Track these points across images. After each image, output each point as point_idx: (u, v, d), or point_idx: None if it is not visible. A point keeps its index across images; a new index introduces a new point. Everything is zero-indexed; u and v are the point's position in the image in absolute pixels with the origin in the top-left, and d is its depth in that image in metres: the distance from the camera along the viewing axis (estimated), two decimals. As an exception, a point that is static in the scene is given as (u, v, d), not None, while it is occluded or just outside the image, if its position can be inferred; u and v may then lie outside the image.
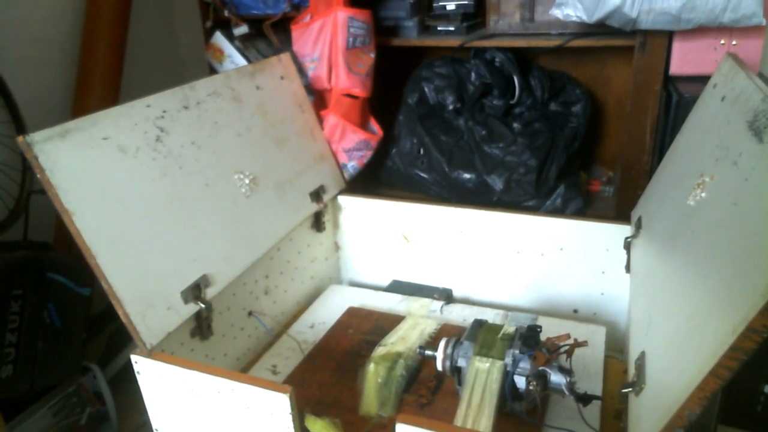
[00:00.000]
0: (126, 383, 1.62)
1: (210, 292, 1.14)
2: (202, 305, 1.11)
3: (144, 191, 1.06)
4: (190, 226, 1.14)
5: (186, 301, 1.08)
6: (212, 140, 1.24)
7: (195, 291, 1.10)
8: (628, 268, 1.28)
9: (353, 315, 1.42)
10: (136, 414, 1.63)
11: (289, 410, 0.88)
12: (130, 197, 1.04)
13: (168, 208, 1.10)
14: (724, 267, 0.69)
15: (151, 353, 0.99)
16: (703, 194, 0.88)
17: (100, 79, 1.76)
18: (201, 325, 1.15)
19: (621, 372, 1.20)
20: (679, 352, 0.70)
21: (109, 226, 0.98)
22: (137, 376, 1.01)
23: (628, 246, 1.26)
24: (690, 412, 0.62)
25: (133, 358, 1.00)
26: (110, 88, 1.78)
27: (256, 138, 1.37)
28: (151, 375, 1.00)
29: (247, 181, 1.30)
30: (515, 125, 1.68)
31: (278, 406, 0.89)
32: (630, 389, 0.81)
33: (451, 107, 1.74)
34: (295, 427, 0.90)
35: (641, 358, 0.82)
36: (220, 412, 0.96)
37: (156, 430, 1.06)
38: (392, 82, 1.85)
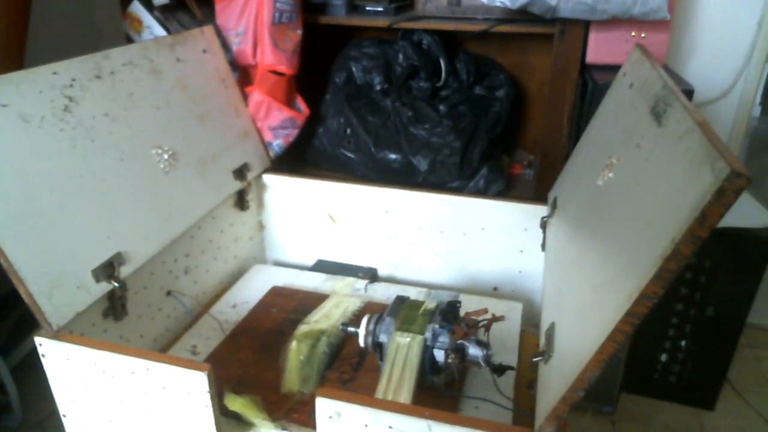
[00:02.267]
0: (32, 372, 1.54)
1: (125, 271, 1.09)
2: (116, 284, 1.06)
3: (50, 163, 1.00)
4: (102, 201, 1.08)
5: (98, 280, 1.03)
6: (128, 113, 1.18)
7: (108, 269, 1.05)
8: (543, 247, 1.34)
9: (277, 294, 1.41)
10: (44, 403, 1.55)
11: (207, 389, 0.87)
12: (33, 169, 0.97)
13: (77, 182, 1.04)
14: (625, 242, 0.74)
15: (57, 334, 0.93)
16: (610, 174, 0.93)
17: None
18: (114, 305, 1.10)
19: (535, 345, 1.26)
20: (584, 321, 0.74)
21: (8, 200, 0.92)
22: (42, 359, 0.96)
23: (544, 225, 1.32)
24: (591, 374, 0.66)
25: (37, 340, 0.94)
26: (12, 56, 1.65)
27: (176, 112, 1.32)
28: (57, 358, 0.95)
29: (165, 157, 1.25)
30: (441, 107, 1.71)
31: (196, 384, 0.87)
32: (540, 358, 0.85)
33: (378, 88, 1.74)
34: (213, 406, 0.89)
35: (551, 328, 0.86)
36: (135, 393, 0.93)
37: (64, 416, 1.01)
38: (320, 61, 1.82)
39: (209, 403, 0.88)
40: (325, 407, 0.81)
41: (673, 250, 0.57)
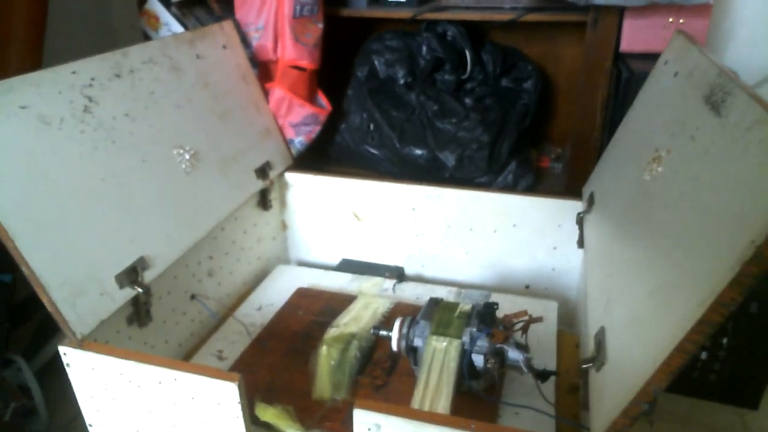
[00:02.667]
0: (56, 374, 1.52)
1: (148, 276, 1.05)
2: (140, 290, 1.02)
3: (71, 166, 0.96)
4: (124, 204, 1.05)
5: (121, 286, 1.00)
6: (148, 112, 1.15)
7: (131, 275, 1.02)
8: (580, 244, 1.28)
9: (303, 296, 1.37)
10: (68, 406, 1.53)
11: (238, 399, 0.83)
12: (54, 173, 0.93)
13: (99, 186, 1.00)
14: (687, 241, 0.69)
15: (82, 344, 0.90)
16: (659, 169, 0.87)
17: (18, 47, 1.60)
18: (139, 311, 1.06)
19: (573, 345, 1.21)
20: (643, 328, 0.69)
21: (29, 205, 0.88)
22: (67, 369, 0.93)
23: (580, 221, 1.27)
24: (656, 387, 0.61)
25: (62, 349, 0.91)
26: (30, 55, 1.62)
27: (197, 111, 1.28)
28: (82, 367, 0.91)
29: (187, 157, 1.22)
30: (467, 101, 1.65)
31: (226, 395, 0.83)
32: (590, 365, 0.80)
33: (402, 82, 1.69)
34: (244, 417, 0.85)
35: (601, 333, 0.81)
36: (162, 403, 0.89)
37: (90, 425, 0.98)
38: (341, 55, 1.78)
39: (240, 413, 0.84)
40: (363, 419, 0.77)
41: (755, 253, 0.52)
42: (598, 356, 0.78)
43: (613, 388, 0.69)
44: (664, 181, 0.84)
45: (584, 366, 0.80)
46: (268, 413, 0.91)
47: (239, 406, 0.84)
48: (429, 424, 0.73)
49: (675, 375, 0.60)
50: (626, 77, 1.35)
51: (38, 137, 0.92)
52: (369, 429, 0.77)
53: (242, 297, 1.42)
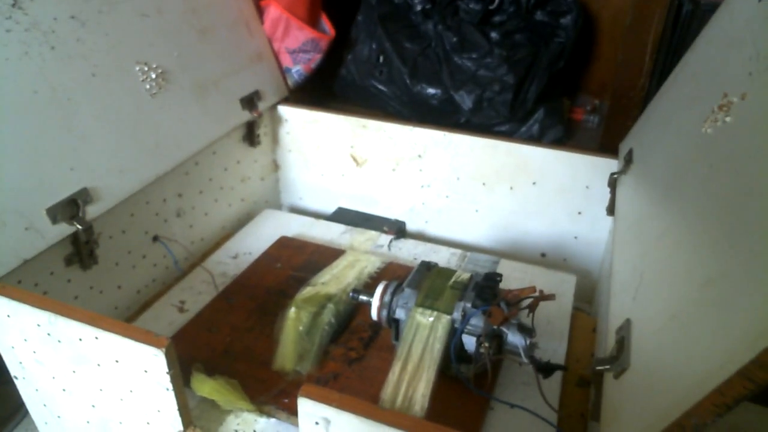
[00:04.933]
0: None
1: (92, 211, 0.90)
2: (79, 227, 0.87)
3: (-8, 72, 0.80)
4: (65, 125, 0.88)
5: (55, 221, 0.84)
6: (104, 17, 0.96)
7: (70, 208, 0.86)
8: (610, 210, 1.08)
9: (284, 246, 1.21)
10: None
11: (167, 369, 0.68)
12: (-32, 78, 0.77)
13: (30, 99, 0.84)
14: (764, 216, 0.49)
15: (-5, 286, 0.76)
16: (727, 119, 0.66)
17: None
18: (80, 251, 0.91)
19: (590, 329, 1.03)
20: (687, 333, 0.50)
21: (-69, 115, 0.72)
22: (-18, 313, 0.79)
23: (613, 183, 1.06)
24: (699, 420, 0.43)
25: (-27, 290, 0.77)
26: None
27: (170, 22, 1.09)
28: (-3, 313, 0.77)
29: (153, 76, 1.04)
30: (493, 35, 1.42)
31: (152, 363, 0.68)
32: (606, 367, 0.62)
33: (419, 8, 1.46)
34: (175, 388, 0.70)
35: (625, 328, 0.62)
36: (86, 363, 0.75)
37: (15, 378, 0.85)
38: (353, -26, 1.55)
39: (169, 384, 0.69)
40: (310, 411, 0.61)
41: None
42: (619, 358, 0.60)
43: (634, 407, 0.51)
44: (733, 135, 0.63)
45: (598, 368, 0.62)
46: (205, 387, 0.76)
47: (168, 377, 0.69)
48: (391, 427, 0.57)
49: (732, 408, 0.41)
50: (689, 10, 1.11)
51: (-56, 31, 0.75)
52: (317, 423, 0.61)
53: (220, 242, 1.26)
